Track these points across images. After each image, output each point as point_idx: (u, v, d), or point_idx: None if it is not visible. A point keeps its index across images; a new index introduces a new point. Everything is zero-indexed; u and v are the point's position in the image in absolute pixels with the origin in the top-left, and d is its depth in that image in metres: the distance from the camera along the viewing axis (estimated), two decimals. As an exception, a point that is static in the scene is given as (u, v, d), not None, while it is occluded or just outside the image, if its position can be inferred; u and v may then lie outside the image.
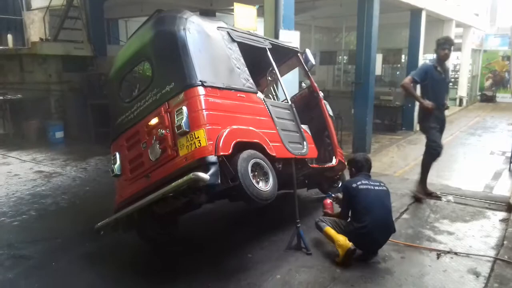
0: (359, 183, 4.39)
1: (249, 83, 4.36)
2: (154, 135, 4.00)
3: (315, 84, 5.82)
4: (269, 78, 5.24)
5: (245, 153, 3.81)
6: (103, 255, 4.51)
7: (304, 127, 5.06)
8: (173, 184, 3.63)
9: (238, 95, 4.17)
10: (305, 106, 5.92)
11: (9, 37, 10.83)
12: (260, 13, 7.81)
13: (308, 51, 5.75)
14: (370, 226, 4.16)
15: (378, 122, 14.08)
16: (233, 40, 4.44)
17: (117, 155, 4.46)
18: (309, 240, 4.67)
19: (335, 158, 5.59)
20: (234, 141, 3.77)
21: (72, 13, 11.06)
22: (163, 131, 3.90)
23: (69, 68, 10.29)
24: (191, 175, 3.52)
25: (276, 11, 7.16)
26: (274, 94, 5.42)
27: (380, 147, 11.72)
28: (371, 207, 4.24)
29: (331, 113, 5.90)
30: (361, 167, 4.65)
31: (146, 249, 4.68)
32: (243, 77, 4.32)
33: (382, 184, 4.48)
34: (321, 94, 5.84)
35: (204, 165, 3.61)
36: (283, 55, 5.86)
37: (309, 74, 5.78)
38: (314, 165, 5.10)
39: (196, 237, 5.02)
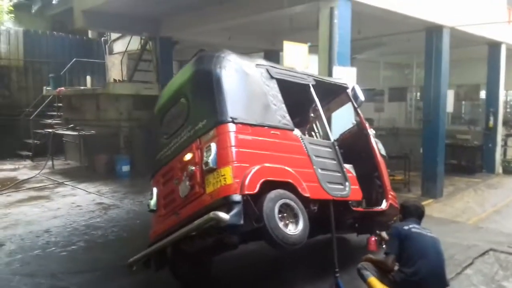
0: (411, 226, 3.98)
1: (286, 120, 4.22)
2: (185, 172, 3.98)
3: (364, 121, 5.50)
4: (312, 115, 5.05)
5: (273, 193, 3.62)
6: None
7: (348, 166, 4.75)
8: (195, 223, 3.54)
9: (271, 132, 4.04)
10: (354, 144, 5.61)
11: (88, 78, 11.89)
12: (315, 50, 7.73)
13: (357, 87, 5.50)
14: (424, 272, 3.71)
15: (454, 163, 13.06)
16: (272, 77, 4.37)
17: (154, 190, 4.50)
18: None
19: (386, 201, 5.15)
20: (262, 180, 3.62)
21: (146, 56, 11.87)
22: (193, 168, 3.87)
23: (138, 106, 10.94)
24: (210, 214, 3.41)
25: (330, 48, 7.04)
26: (317, 131, 5.19)
27: (454, 190, 10.77)
28: (425, 252, 3.80)
29: (383, 152, 5.51)
30: (409, 214, 4.21)
31: (177, 287, 4.56)
32: (279, 114, 4.20)
33: (434, 234, 4.02)
34: (371, 131, 5.50)
35: (228, 204, 3.50)
36: (332, 92, 5.68)
37: (358, 111, 5.50)
38: (358, 209, 4.72)
39: (227, 280, 4.81)
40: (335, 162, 4.56)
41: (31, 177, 10.36)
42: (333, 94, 5.73)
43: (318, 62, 7.31)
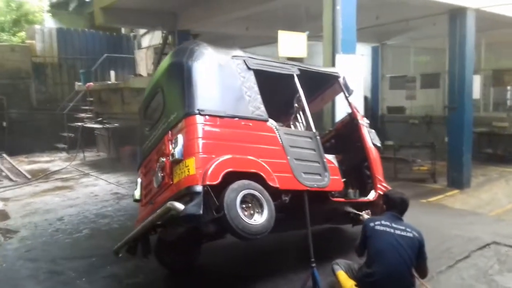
0: (377, 222, 3.86)
1: (259, 111, 4.24)
2: (158, 163, 4.13)
3: (356, 110, 5.40)
4: (296, 105, 5.02)
5: (236, 184, 3.67)
6: (122, 277, 4.71)
7: (330, 157, 4.70)
8: (156, 213, 3.67)
9: (242, 123, 4.08)
10: (346, 134, 5.54)
11: (112, 73, 12.38)
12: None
13: (346, 76, 5.39)
14: (378, 276, 3.62)
15: (489, 152, 12.44)
16: (249, 68, 4.40)
17: (138, 181, 4.69)
18: (327, 283, 4.25)
19: (374, 192, 5.05)
20: (226, 171, 3.68)
21: (168, 50, 12.14)
22: (163, 159, 4.00)
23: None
24: (167, 204, 3.53)
25: (334, 36, 6.89)
26: (300, 121, 5.14)
27: (485, 181, 10.30)
28: (382, 254, 3.68)
29: (376, 142, 5.37)
30: (392, 206, 4.06)
31: (163, 274, 4.74)
32: (253, 105, 4.22)
33: (410, 230, 3.80)
34: (363, 121, 5.39)
35: (190, 194, 3.60)
36: (324, 82, 5.61)
37: (349, 100, 5.39)
38: (339, 199, 4.67)
39: (211, 268, 4.94)
40: (314, 152, 4.51)
41: (62, 169, 11.00)
42: (326, 83, 5.66)
43: (322, 50, 7.21)
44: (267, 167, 3.95)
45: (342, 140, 5.65)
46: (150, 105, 4.86)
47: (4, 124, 13.22)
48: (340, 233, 5.86)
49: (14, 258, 5.25)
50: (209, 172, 3.61)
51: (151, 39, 13.24)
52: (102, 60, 14.18)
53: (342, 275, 3.94)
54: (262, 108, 4.27)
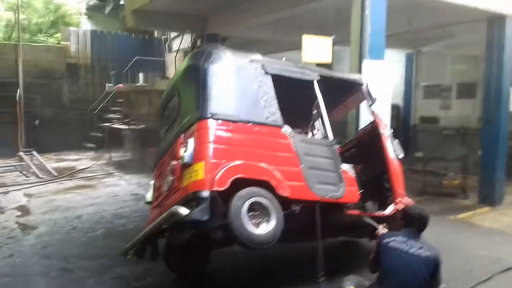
0: (392, 239, 3.64)
1: (275, 117, 4.11)
2: (169, 166, 4.07)
3: (378, 119, 5.16)
4: (314, 112, 4.85)
5: (244, 191, 3.56)
6: (131, 279, 4.67)
7: (346, 167, 4.50)
8: (161, 217, 3.60)
9: (256, 128, 3.97)
10: (368, 144, 5.32)
11: (141, 75, 12.54)
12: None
13: (370, 84, 5.18)
14: None
15: (529, 168, 11.78)
16: (267, 73, 4.28)
17: (151, 183, 4.65)
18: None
19: (394, 206, 4.80)
20: (234, 177, 3.58)
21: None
22: (174, 162, 3.94)
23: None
24: (172, 209, 3.45)
25: (361, 41, 6.69)
26: (318, 129, 4.95)
27: (521, 198, 9.71)
28: (395, 271, 3.47)
29: (399, 153, 5.11)
30: (409, 222, 3.82)
31: (171, 278, 4.67)
32: (269, 111, 4.10)
33: (427, 248, 3.58)
34: (385, 130, 5.15)
35: (197, 199, 3.51)
36: (347, 88, 5.42)
37: (372, 109, 5.18)
38: (354, 212, 4.46)
39: (220, 275, 4.84)
40: (330, 161, 4.34)
41: (87, 168, 11.20)
42: (349, 90, 5.47)
43: (350, 55, 7.02)
44: (278, 175, 3.82)
45: (363, 149, 5.43)
46: (167, 107, 4.83)
47: (36, 122, 13.62)
48: (357, 247, 5.62)
49: (29, 254, 5.31)
50: (217, 177, 3.52)
51: (181, 42, 13.34)
52: (133, 63, 14.42)
53: (351, 292, 3.74)
54: (278, 114, 4.14)
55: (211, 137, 3.72)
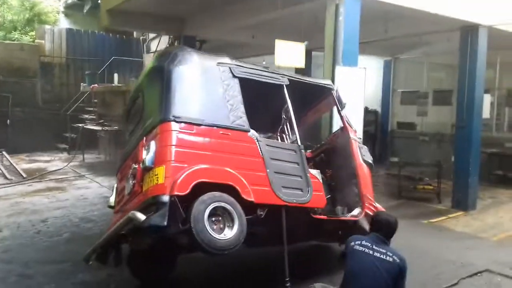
0: (357, 242, 3.62)
1: (241, 121, 4.06)
2: (130, 170, 3.98)
3: (348, 124, 5.17)
4: (284, 116, 4.82)
5: (206, 195, 3.49)
6: (93, 285, 4.55)
7: (314, 172, 4.48)
8: (119, 222, 3.50)
9: (220, 132, 3.90)
10: (337, 149, 5.32)
11: (115, 76, 12.38)
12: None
13: (339, 89, 5.18)
14: None
15: (500, 174, 12.01)
16: (234, 76, 4.23)
17: (114, 186, 4.54)
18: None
19: (361, 210, 4.80)
20: (196, 181, 3.50)
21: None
22: (135, 166, 3.85)
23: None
24: (129, 214, 3.36)
25: (335, 46, 6.70)
26: (287, 133, 4.93)
27: (492, 203, 9.92)
28: (358, 275, 3.44)
29: (368, 158, 5.13)
30: (377, 228, 3.80)
31: (134, 285, 4.56)
32: (234, 115, 4.04)
33: (392, 254, 3.53)
34: (354, 136, 5.15)
35: (156, 204, 3.43)
36: (318, 93, 5.41)
37: (341, 114, 5.18)
38: (320, 216, 4.44)
39: (185, 281, 4.77)
40: (297, 166, 4.30)
41: (58, 169, 10.94)
42: (320, 95, 5.47)
43: (323, 62, 7.03)
44: (243, 179, 3.76)
45: (333, 154, 5.43)
46: (132, 109, 4.73)
47: (8, 122, 13.27)
48: (329, 250, 5.60)
49: (-12, 259, 5.13)
50: (179, 181, 3.44)
51: (159, 43, 13.19)
52: (110, 63, 14.21)
53: (316, 298, 3.71)
54: (244, 118, 4.09)
55: (173, 141, 3.64)
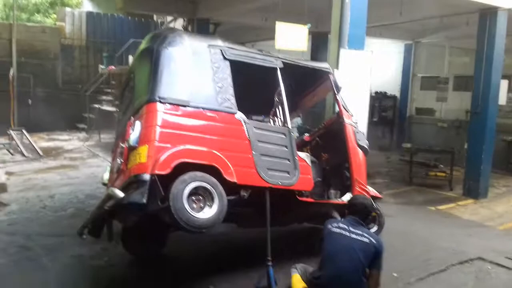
0: (335, 224, 3.67)
1: (229, 103, 4.09)
2: (119, 149, 4.09)
3: (343, 108, 5.12)
4: (277, 99, 4.82)
5: (187, 175, 3.57)
6: (87, 258, 4.74)
7: (303, 155, 4.49)
8: (101, 199, 3.63)
9: (207, 114, 3.96)
10: (333, 133, 5.29)
11: (130, 57, 12.50)
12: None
13: (336, 73, 5.13)
14: (327, 279, 3.44)
15: (517, 162, 11.69)
16: (225, 59, 4.25)
17: (108, 164, 4.68)
18: (286, 284, 4.07)
19: (351, 194, 4.79)
20: (177, 161, 3.58)
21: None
22: (123, 145, 3.95)
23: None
24: (109, 191, 3.47)
25: (341, 29, 6.61)
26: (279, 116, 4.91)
27: (505, 192, 9.75)
28: (335, 256, 3.49)
29: (363, 143, 5.08)
30: (353, 211, 3.84)
31: (127, 259, 4.72)
32: (223, 97, 4.08)
33: (368, 236, 3.60)
34: (350, 120, 5.10)
35: (137, 182, 3.53)
36: (316, 77, 5.38)
37: (337, 98, 5.13)
38: (307, 199, 4.45)
39: (176, 257, 4.90)
40: (285, 149, 4.32)
41: (74, 148, 11.29)
42: (318, 79, 5.43)
43: (329, 45, 6.96)
44: (227, 160, 3.82)
45: (329, 138, 5.41)
46: (126, 89, 4.83)
47: (29, 101, 13.70)
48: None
49: (-6, 231, 5.41)
50: (160, 161, 3.53)
51: (174, 26, 13.28)
52: (129, 45, 14.37)
53: (295, 278, 3.77)
54: (232, 100, 4.12)
55: (158, 121, 3.71)
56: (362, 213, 3.77)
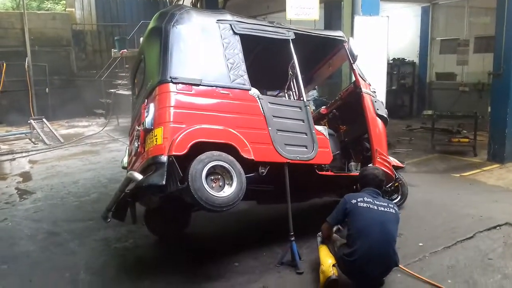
0: (359, 199, 3.60)
1: (241, 79, 4.03)
2: (135, 132, 4.09)
3: (360, 78, 4.97)
4: (290, 72, 4.71)
5: (204, 155, 3.55)
6: (113, 240, 4.81)
7: (320, 128, 4.41)
8: (121, 181, 3.64)
9: (221, 92, 3.90)
10: (351, 104, 5.17)
11: (141, 39, 12.38)
12: None
13: (352, 41, 4.96)
14: (360, 254, 3.39)
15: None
16: (235, 33, 4.16)
17: (127, 148, 4.70)
18: (310, 259, 4.07)
19: (373, 165, 4.70)
20: (194, 141, 3.56)
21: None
22: (139, 128, 3.94)
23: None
24: (128, 174, 3.47)
25: (354, -5, 6.41)
26: (293, 90, 4.80)
27: (534, 156, 9.34)
28: (367, 231, 3.44)
29: (382, 112, 4.95)
30: (365, 183, 3.81)
31: (152, 240, 4.78)
32: (235, 73, 4.01)
33: (393, 206, 3.61)
34: (368, 89, 4.96)
35: (155, 164, 3.53)
36: (330, 46, 5.23)
37: (353, 67, 4.98)
38: (327, 172, 4.39)
39: (201, 236, 4.94)
40: (302, 123, 4.25)
41: (94, 134, 11.42)
42: (332, 48, 5.28)
43: (343, 11, 6.76)
44: (243, 138, 3.77)
45: (347, 110, 5.30)
46: (137, 71, 4.79)
47: (47, 90, 13.84)
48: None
49: (21, 218, 5.52)
50: (176, 142, 3.51)
51: (183, 3, 13.08)
52: (139, 27, 14.27)
53: (323, 250, 3.76)
54: (245, 76, 4.05)
55: (171, 102, 3.68)
56: (375, 183, 3.73)
